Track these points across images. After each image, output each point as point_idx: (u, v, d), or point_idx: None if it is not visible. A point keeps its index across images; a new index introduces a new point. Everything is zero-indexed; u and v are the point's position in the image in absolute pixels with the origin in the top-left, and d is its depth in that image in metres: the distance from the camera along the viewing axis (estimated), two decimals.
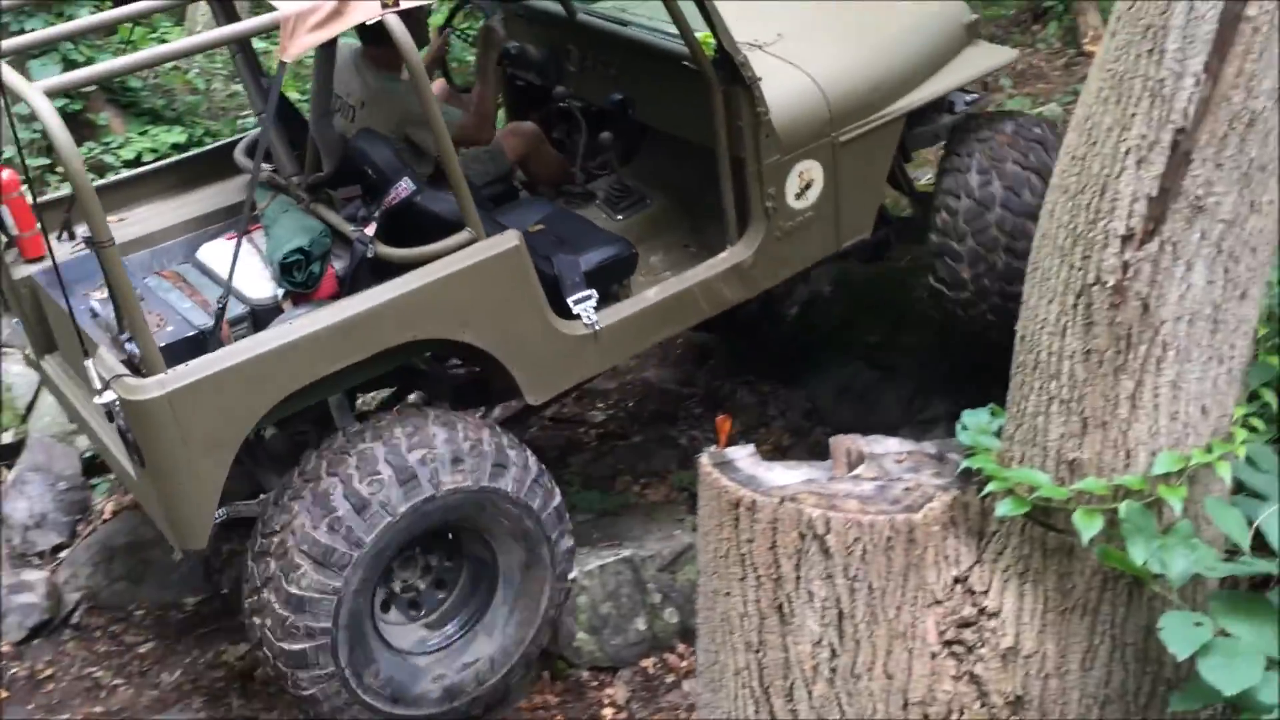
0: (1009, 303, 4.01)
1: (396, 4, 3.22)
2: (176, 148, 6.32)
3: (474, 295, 3.51)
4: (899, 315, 5.60)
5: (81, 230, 3.49)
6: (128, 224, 3.99)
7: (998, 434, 2.52)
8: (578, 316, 3.77)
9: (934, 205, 4.46)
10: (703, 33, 3.85)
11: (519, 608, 3.83)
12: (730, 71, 3.81)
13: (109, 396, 3.13)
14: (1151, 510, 2.20)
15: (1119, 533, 2.17)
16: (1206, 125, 2.14)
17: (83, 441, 5.03)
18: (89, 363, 3.14)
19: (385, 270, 3.59)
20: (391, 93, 4.07)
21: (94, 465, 4.99)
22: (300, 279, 3.68)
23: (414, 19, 3.58)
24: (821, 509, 2.40)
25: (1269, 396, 2.40)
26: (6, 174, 3.71)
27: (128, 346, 3.28)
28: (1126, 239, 2.20)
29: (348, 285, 3.69)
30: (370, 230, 3.64)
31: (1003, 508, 2.31)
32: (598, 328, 3.77)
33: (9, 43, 3.38)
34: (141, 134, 6.28)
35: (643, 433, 5.54)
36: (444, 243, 3.53)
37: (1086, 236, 2.25)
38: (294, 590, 3.36)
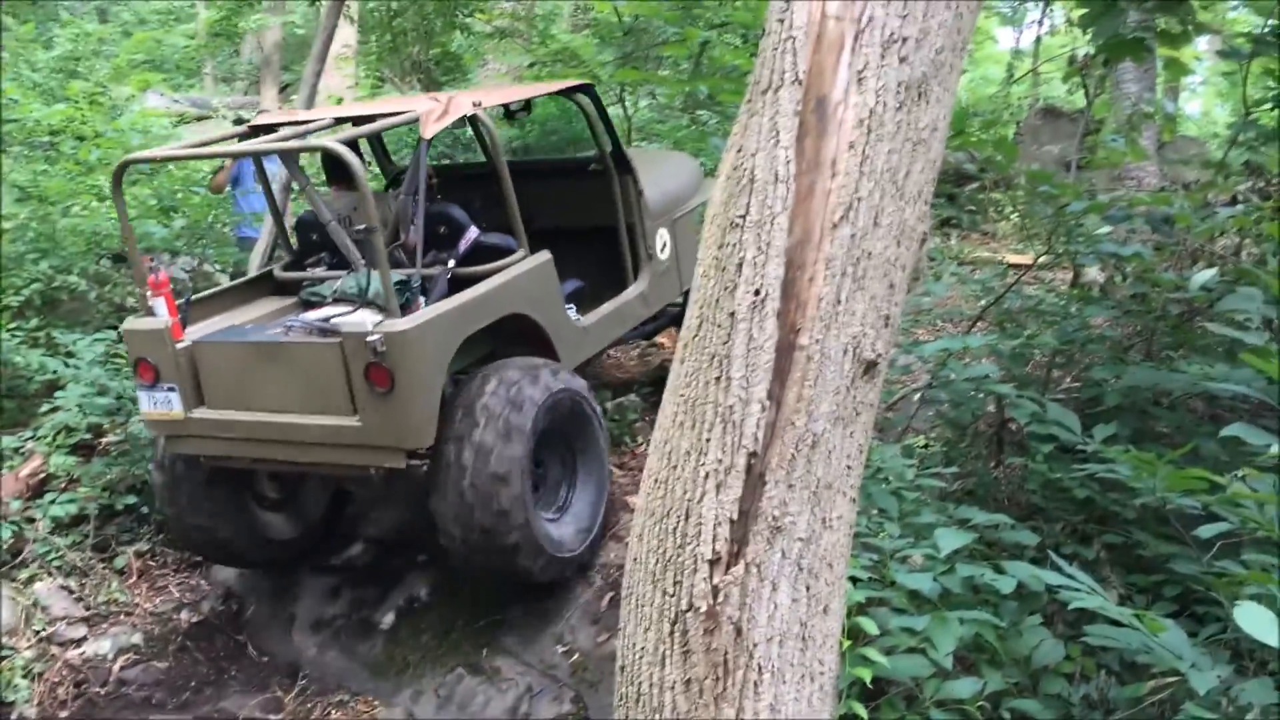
0: None
1: (480, 106, 5.32)
2: None
3: (533, 286, 5.39)
4: (498, 618, 5.42)
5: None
6: (230, 316, 5.43)
7: None
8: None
9: None
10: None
11: (592, 477, 5.48)
12: (623, 165, 6.19)
13: (376, 336, 4.45)
14: None
15: None
16: (775, 449, 2.21)
17: None
18: (364, 313, 4.72)
19: (458, 289, 5.11)
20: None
21: None
22: (402, 301, 4.78)
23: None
24: None
25: (859, 709, 2.43)
26: (162, 274, 4.89)
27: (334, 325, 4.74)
28: (714, 563, 2.20)
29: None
30: (452, 264, 5.34)
31: None
32: (585, 324, 5.83)
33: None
34: None
35: None
36: (508, 258, 5.39)
37: (676, 561, 2.23)
38: (494, 468, 4.72)
